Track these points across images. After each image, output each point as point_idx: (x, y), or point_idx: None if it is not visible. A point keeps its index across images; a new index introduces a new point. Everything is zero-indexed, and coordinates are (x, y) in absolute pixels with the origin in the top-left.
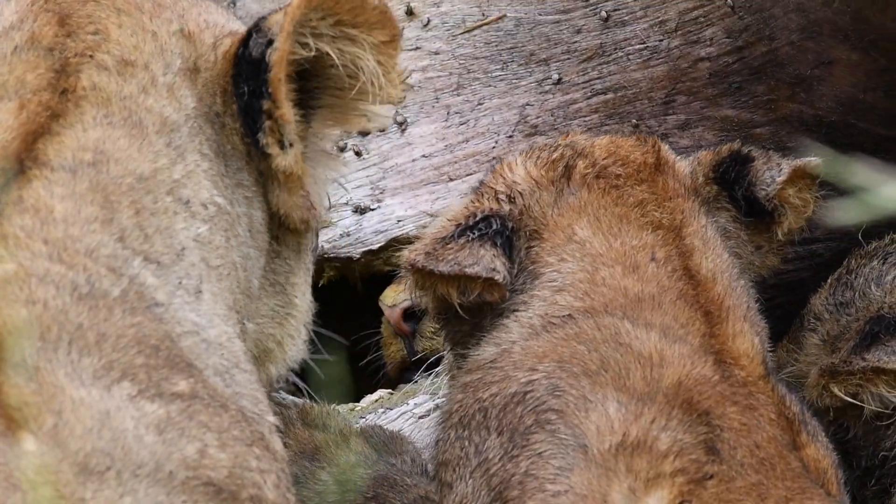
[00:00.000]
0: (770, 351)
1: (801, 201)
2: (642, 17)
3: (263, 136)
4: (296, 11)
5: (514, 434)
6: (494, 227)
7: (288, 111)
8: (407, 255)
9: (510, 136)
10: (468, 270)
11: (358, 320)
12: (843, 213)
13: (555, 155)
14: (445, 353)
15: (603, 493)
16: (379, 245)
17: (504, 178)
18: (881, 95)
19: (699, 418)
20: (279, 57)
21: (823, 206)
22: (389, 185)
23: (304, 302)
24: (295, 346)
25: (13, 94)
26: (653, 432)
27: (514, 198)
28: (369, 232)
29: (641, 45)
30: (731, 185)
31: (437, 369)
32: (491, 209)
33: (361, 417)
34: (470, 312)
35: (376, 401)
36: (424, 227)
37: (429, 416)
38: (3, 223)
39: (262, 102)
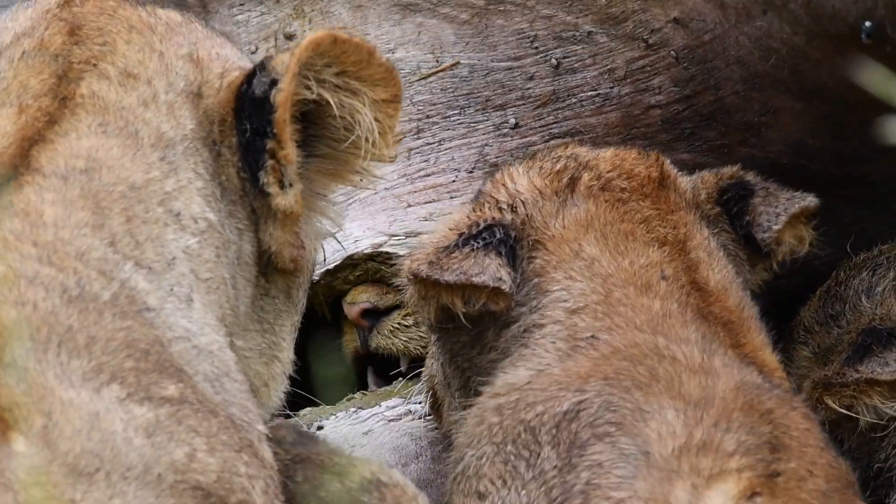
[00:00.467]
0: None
1: (798, 240)
2: (591, 65)
3: (265, 175)
4: (303, 54)
5: (571, 447)
6: (498, 236)
7: (292, 151)
8: (409, 264)
9: (470, 172)
10: (475, 280)
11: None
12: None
13: (558, 166)
14: (433, 362)
15: (665, 494)
16: (335, 264)
17: (506, 187)
18: (829, 138)
19: (762, 418)
20: (284, 98)
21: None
22: (350, 214)
23: (289, 350)
24: (276, 392)
25: (15, 98)
26: (717, 434)
27: (516, 207)
28: (327, 252)
29: (593, 92)
30: (731, 217)
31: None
32: (493, 218)
33: (332, 415)
34: (472, 322)
35: (348, 399)
36: (379, 244)
37: (400, 420)
38: None
39: (265, 141)
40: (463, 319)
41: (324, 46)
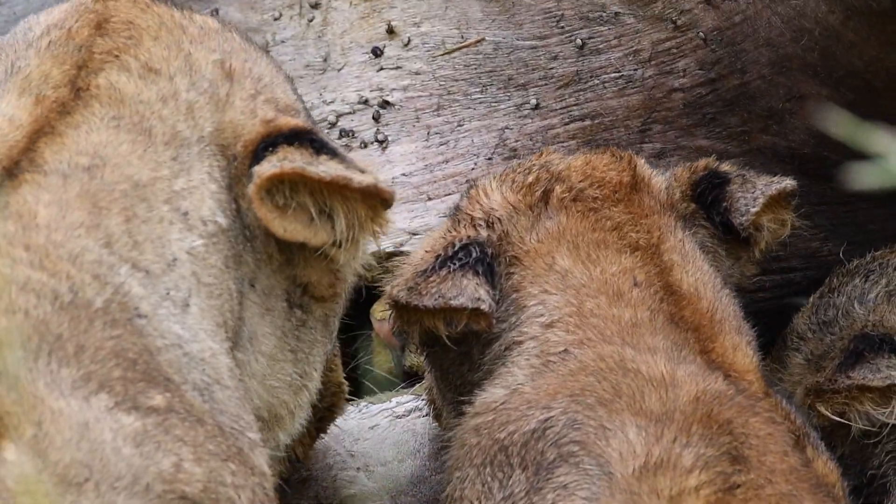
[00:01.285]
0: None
1: (778, 224)
2: (616, 46)
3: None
4: (265, 183)
5: (538, 469)
6: (474, 255)
7: (317, 240)
8: (389, 290)
9: (489, 159)
10: (453, 303)
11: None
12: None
13: (530, 178)
14: (429, 375)
15: None
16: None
17: (480, 204)
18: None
19: (720, 429)
20: (264, 218)
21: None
22: None
23: (318, 378)
24: (300, 419)
25: (35, 88)
26: (675, 450)
27: (492, 223)
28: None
29: (617, 74)
30: (707, 208)
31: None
32: (468, 237)
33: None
34: (456, 342)
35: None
36: (401, 244)
37: (408, 416)
38: None
39: None
40: (447, 341)
41: (294, 178)
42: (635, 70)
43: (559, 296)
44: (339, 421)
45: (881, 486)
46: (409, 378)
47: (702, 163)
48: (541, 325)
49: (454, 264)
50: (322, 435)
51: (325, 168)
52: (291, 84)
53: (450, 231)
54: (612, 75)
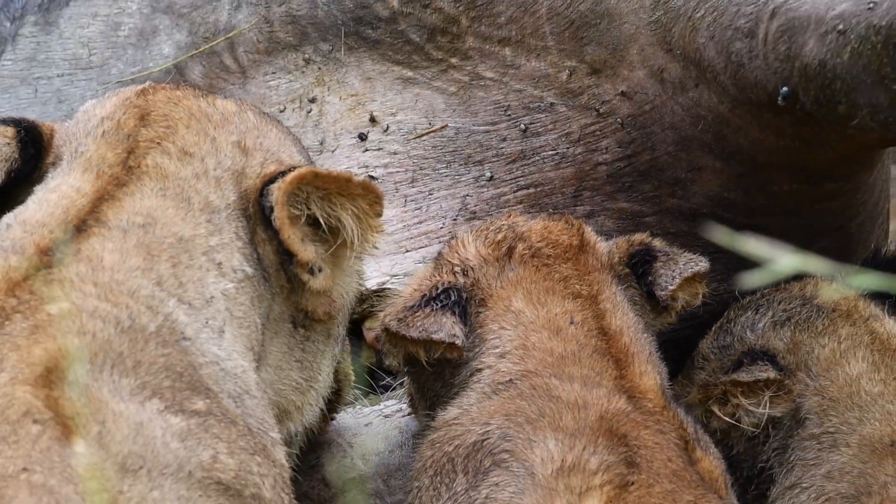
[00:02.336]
0: (669, 386)
1: (691, 297)
2: (552, 130)
3: (294, 268)
4: (287, 187)
5: (476, 473)
6: (453, 298)
7: (305, 253)
8: (383, 318)
9: (454, 220)
10: (434, 336)
11: None
12: (749, 280)
13: (499, 237)
14: (407, 383)
15: None
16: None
17: (458, 254)
18: (741, 194)
19: (619, 441)
20: (281, 223)
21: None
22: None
23: (327, 378)
24: (312, 411)
25: (95, 167)
26: (584, 457)
27: (466, 271)
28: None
29: (553, 152)
30: (637, 277)
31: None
32: (449, 282)
33: (343, 410)
34: (431, 364)
35: (357, 400)
36: (384, 283)
37: (394, 416)
38: (63, 270)
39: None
40: (425, 364)
41: (306, 179)
42: (568, 148)
43: (512, 331)
44: (339, 418)
45: (768, 475)
46: (390, 375)
47: (638, 237)
48: (496, 356)
49: (437, 304)
50: (333, 415)
51: (331, 169)
52: (299, 145)
53: (434, 273)
54: (550, 153)
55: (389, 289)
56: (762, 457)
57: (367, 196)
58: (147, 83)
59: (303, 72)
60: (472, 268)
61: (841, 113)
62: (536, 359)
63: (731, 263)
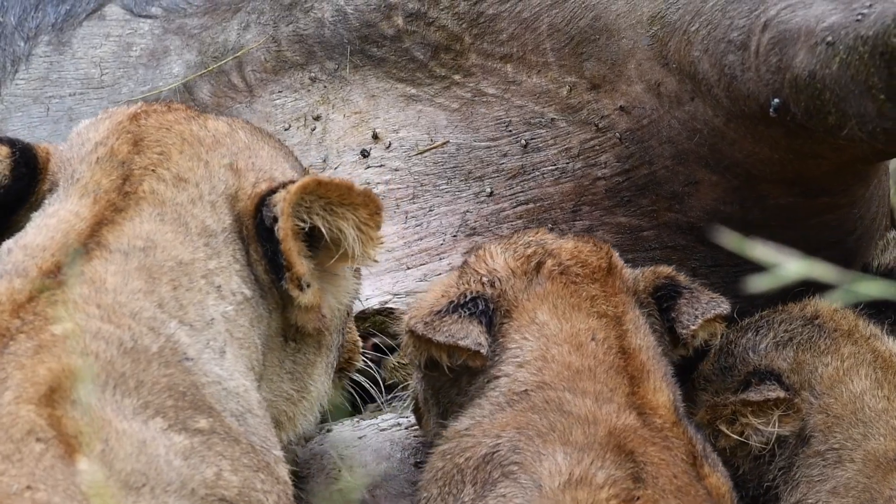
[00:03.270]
0: (683, 403)
1: (709, 336)
2: (553, 145)
3: (285, 283)
4: (293, 198)
5: (484, 484)
6: (480, 307)
7: (300, 267)
8: (408, 320)
9: (454, 236)
10: (460, 343)
11: None
12: (756, 284)
13: (529, 251)
14: (417, 385)
15: None
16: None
17: (486, 264)
18: (737, 207)
19: (626, 457)
20: (284, 234)
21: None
22: (362, 273)
23: (321, 386)
24: (306, 420)
25: (91, 192)
26: (591, 471)
27: (494, 283)
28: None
29: (553, 167)
30: (660, 310)
31: (403, 394)
32: (478, 291)
33: (340, 423)
34: (450, 370)
35: (353, 414)
36: (385, 302)
37: (390, 429)
38: (66, 291)
39: (280, 260)
40: (446, 369)
41: (310, 188)
42: (568, 163)
43: (534, 342)
44: (336, 431)
45: (774, 494)
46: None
47: (664, 270)
48: (515, 365)
49: (465, 312)
50: (345, 383)
51: (333, 177)
52: (292, 160)
53: (460, 281)
54: (550, 168)
55: (391, 308)
56: (768, 476)
57: (368, 206)
58: (140, 104)
59: (308, 90)
60: (499, 279)
61: (831, 123)
62: (554, 371)
63: (729, 277)
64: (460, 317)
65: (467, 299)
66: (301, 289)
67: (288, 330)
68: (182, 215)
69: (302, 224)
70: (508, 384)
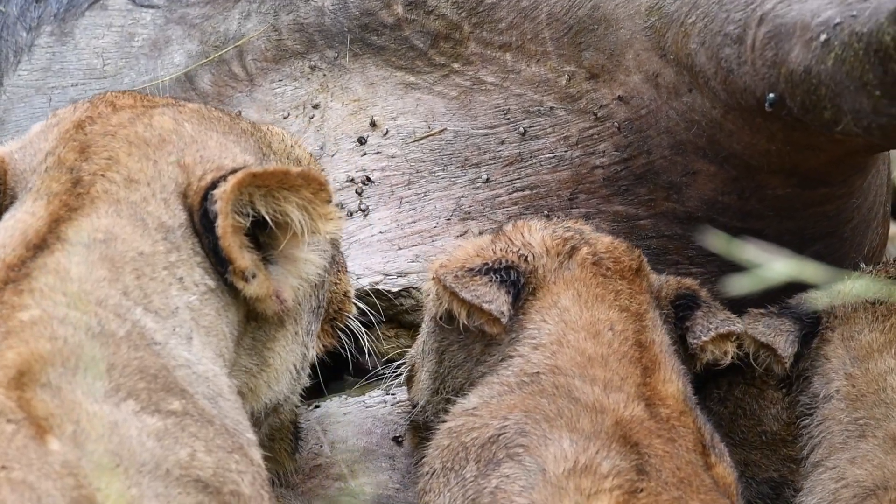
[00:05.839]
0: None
1: (720, 353)
2: (551, 133)
3: (230, 276)
4: (230, 196)
5: (488, 463)
6: (512, 277)
7: (242, 261)
8: (436, 269)
9: (448, 220)
10: (485, 306)
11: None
12: (738, 285)
13: (567, 234)
14: (421, 343)
15: None
16: None
17: (522, 237)
18: (735, 197)
19: (631, 448)
20: (223, 231)
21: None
22: (352, 254)
23: (288, 356)
24: (271, 391)
25: (44, 195)
26: (597, 460)
27: (527, 258)
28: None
29: (551, 155)
30: (677, 318)
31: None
32: (513, 262)
33: (330, 399)
34: (465, 331)
35: (343, 390)
36: (377, 282)
37: (375, 406)
38: (31, 281)
39: (222, 255)
40: (460, 326)
41: (245, 182)
42: (565, 152)
43: (552, 326)
44: (323, 406)
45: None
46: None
47: (687, 282)
48: (530, 347)
49: (497, 277)
50: (338, 332)
51: (267, 166)
52: (245, 142)
53: (494, 245)
54: (548, 156)
55: (381, 289)
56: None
57: (309, 185)
58: (86, 108)
59: (308, 79)
60: (533, 255)
61: (827, 118)
62: (567, 356)
63: (726, 264)
64: (491, 280)
65: (502, 266)
66: (246, 280)
67: (249, 311)
68: (138, 212)
69: (242, 219)
70: (521, 365)
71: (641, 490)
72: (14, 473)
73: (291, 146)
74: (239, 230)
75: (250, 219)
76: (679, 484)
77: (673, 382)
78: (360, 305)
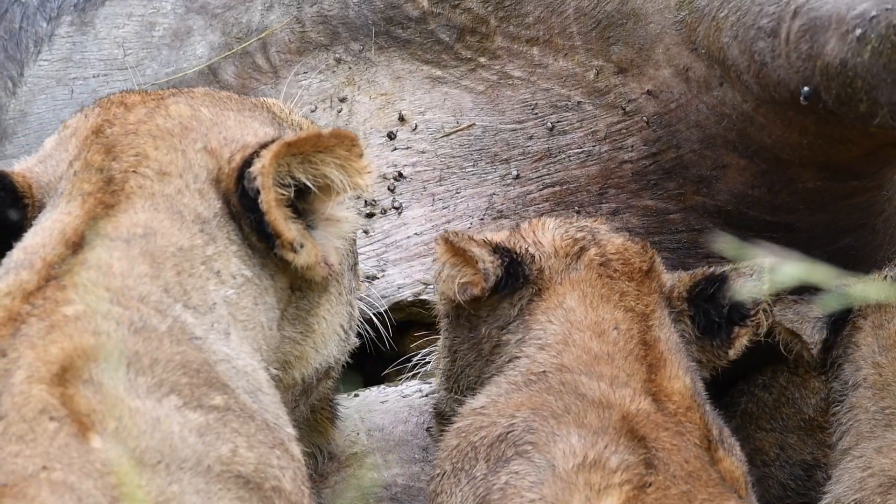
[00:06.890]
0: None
1: (753, 334)
2: (579, 128)
3: (279, 249)
4: (269, 169)
5: (498, 461)
6: (517, 269)
7: (289, 233)
8: (445, 232)
9: (482, 219)
10: (474, 256)
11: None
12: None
13: (578, 235)
14: (438, 356)
15: (566, 502)
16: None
17: (534, 234)
18: (765, 191)
19: (639, 442)
20: (267, 206)
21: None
22: (391, 258)
23: (333, 318)
24: (319, 354)
25: (77, 196)
26: (605, 455)
27: (535, 256)
28: (377, 296)
29: (579, 150)
30: (704, 300)
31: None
32: (518, 253)
33: (368, 389)
34: (469, 320)
35: (381, 382)
36: (419, 293)
37: (411, 396)
38: (73, 277)
39: (268, 230)
40: (458, 311)
41: (282, 153)
42: (594, 146)
43: (558, 326)
44: (362, 395)
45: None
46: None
47: (700, 271)
48: (536, 347)
49: (502, 258)
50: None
51: (298, 133)
52: (262, 115)
53: (509, 238)
54: (576, 151)
55: (424, 300)
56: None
57: (342, 143)
58: (98, 112)
59: (333, 71)
60: (541, 255)
61: (862, 111)
62: (573, 355)
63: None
64: (489, 252)
65: (513, 254)
66: (295, 251)
67: (295, 281)
68: (174, 205)
69: (284, 190)
70: (528, 364)
71: (650, 484)
72: (55, 474)
73: (289, 113)
74: (281, 202)
75: (292, 189)
76: (687, 477)
77: (679, 379)
78: (388, 315)
